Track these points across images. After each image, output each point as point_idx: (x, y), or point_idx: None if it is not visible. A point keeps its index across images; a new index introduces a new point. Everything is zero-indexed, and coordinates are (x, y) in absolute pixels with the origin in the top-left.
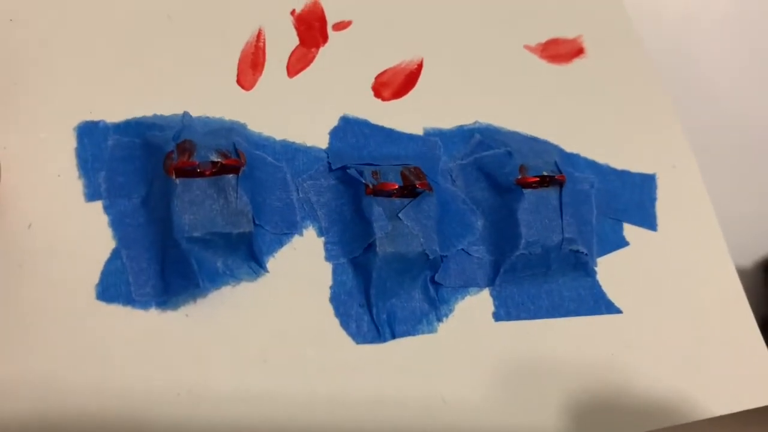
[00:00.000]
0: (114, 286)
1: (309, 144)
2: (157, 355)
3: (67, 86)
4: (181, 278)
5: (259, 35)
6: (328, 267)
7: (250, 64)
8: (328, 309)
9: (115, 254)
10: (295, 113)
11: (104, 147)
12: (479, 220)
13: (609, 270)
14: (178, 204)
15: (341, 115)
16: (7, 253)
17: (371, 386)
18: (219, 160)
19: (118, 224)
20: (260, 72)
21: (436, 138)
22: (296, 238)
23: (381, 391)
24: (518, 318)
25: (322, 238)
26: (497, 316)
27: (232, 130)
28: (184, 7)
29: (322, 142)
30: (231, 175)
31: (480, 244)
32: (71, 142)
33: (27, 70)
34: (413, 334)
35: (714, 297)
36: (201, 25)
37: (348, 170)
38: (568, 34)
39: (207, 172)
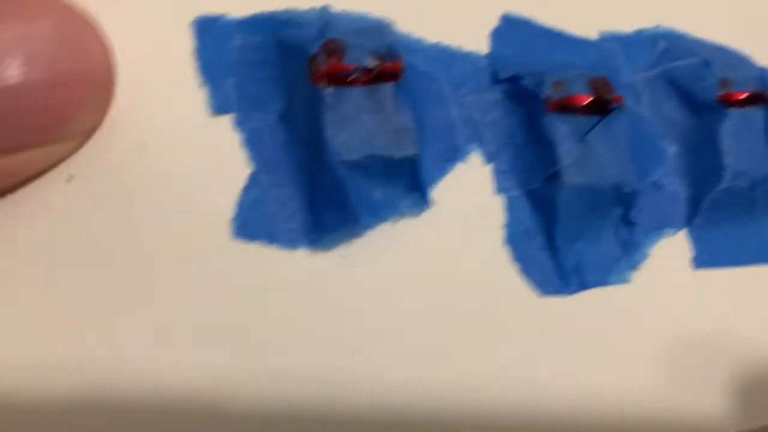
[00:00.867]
0: (254, 221)
1: (467, 49)
2: (306, 304)
3: None
4: (336, 211)
5: None
6: (499, 201)
7: None
8: (504, 252)
9: (253, 180)
10: (447, 9)
11: (229, 48)
12: (671, 146)
13: None
14: (330, 119)
15: (502, 13)
16: (117, 182)
17: (558, 345)
18: (376, 64)
19: (254, 143)
20: None
21: (614, 44)
22: (459, 166)
23: (570, 350)
24: (722, 264)
25: (491, 165)
26: (698, 262)
27: (383, 27)
28: None
29: (481, 45)
30: (389, 84)
31: (673, 176)
32: (187, 41)
33: None
34: (605, 284)
35: None
36: None
37: (521, 81)
38: None
39: (362, 80)
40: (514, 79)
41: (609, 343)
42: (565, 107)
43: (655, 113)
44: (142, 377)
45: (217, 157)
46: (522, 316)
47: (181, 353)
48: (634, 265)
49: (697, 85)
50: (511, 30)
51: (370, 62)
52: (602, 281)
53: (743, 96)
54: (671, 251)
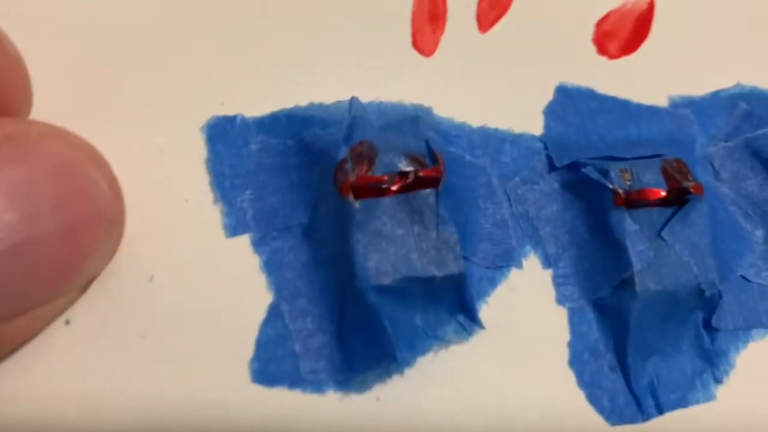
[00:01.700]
0: (275, 361)
1: (518, 130)
2: None
3: (186, 64)
4: (368, 346)
5: None
6: (562, 314)
7: (428, 18)
8: (568, 376)
9: (272, 313)
10: (492, 85)
11: (246, 153)
12: (758, 230)
13: None
14: (359, 237)
15: (557, 84)
16: (123, 318)
17: None
18: (411, 168)
19: (274, 267)
20: (442, 28)
21: (687, 110)
22: (514, 273)
23: None
24: None
25: (550, 271)
26: None
27: (418, 120)
28: None
29: (535, 125)
30: (429, 190)
31: (761, 265)
32: (200, 149)
33: (127, 42)
34: (685, 405)
35: None
36: None
37: (583, 169)
38: None
39: (395, 188)
40: (574, 166)
41: None
42: (636, 202)
43: (737, 191)
44: None
45: (232, 286)
46: None
47: None
48: (719, 378)
49: None
50: (569, 103)
51: (404, 166)
52: (683, 402)
53: None
54: (763, 357)
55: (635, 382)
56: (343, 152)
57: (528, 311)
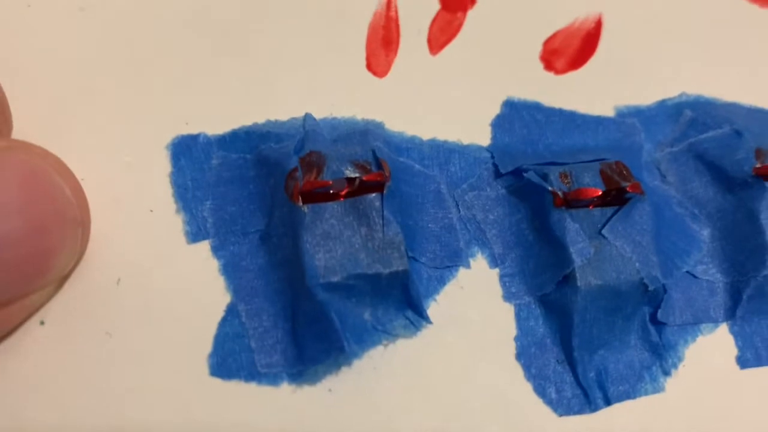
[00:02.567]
0: (232, 356)
1: (466, 141)
2: None
3: (153, 88)
4: (319, 340)
5: (390, 2)
6: (509, 310)
7: (382, 42)
8: (516, 369)
9: (230, 312)
10: (443, 101)
11: (207, 168)
12: (705, 229)
13: None
14: (308, 239)
15: (505, 98)
16: (92, 318)
17: None
18: (357, 175)
19: (232, 270)
20: (395, 52)
21: (633, 119)
22: (462, 272)
23: None
24: None
25: (497, 270)
26: (743, 362)
27: (367, 132)
28: None
29: (483, 137)
30: (374, 194)
31: (709, 263)
32: (164, 165)
33: (99, 68)
34: (633, 397)
35: None
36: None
37: (525, 174)
38: None
39: (342, 193)
40: (517, 173)
41: None
42: (574, 202)
43: (683, 193)
44: None
45: (193, 288)
46: None
47: None
48: (667, 371)
49: (729, 158)
50: (515, 116)
51: (351, 172)
52: (631, 393)
53: None
54: (711, 350)
55: (582, 375)
56: (294, 162)
57: (476, 308)
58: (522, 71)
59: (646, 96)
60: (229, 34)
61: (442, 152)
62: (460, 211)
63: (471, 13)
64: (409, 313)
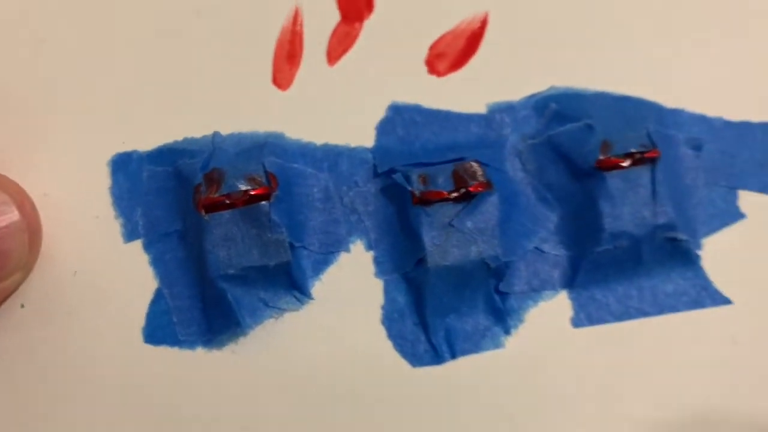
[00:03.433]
0: (160, 328)
1: (354, 144)
2: (208, 395)
3: (98, 113)
4: (222, 317)
5: (296, 17)
6: (379, 285)
7: (287, 57)
8: (381, 331)
9: (158, 295)
10: (338, 109)
11: (139, 180)
12: (554, 212)
13: (718, 251)
14: (209, 241)
15: (390, 103)
16: (57, 301)
17: (432, 412)
18: (248, 188)
19: (158, 262)
20: (297, 65)
21: (502, 114)
22: (343, 256)
23: (442, 417)
24: (601, 321)
25: (371, 253)
26: (576, 322)
27: (264, 146)
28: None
29: (369, 139)
30: (263, 203)
31: (555, 239)
32: (107, 179)
33: (56, 98)
34: (476, 352)
35: None
36: (233, 18)
37: (393, 176)
38: None
39: (237, 203)
40: (391, 172)
41: (481, 406)
42: (426, 201)
43: (540, 180)
44: None
45: (130, 277)
46: (397, 388)
47: None
48: (508, 331)
49: (578, 150)
50: (398, 118)
51: (244, 185)
52: (474, 349)
53: (619, 161)
54: (551, 313)
55: (433, 335)
56: (199, 178)
57: (353, 284)
58: (408, 76)
59: (519, 91)
60: (156, 61)
61: (332, 155)
62: (344, 205)
63: (367, 23)
64: (296, 293)
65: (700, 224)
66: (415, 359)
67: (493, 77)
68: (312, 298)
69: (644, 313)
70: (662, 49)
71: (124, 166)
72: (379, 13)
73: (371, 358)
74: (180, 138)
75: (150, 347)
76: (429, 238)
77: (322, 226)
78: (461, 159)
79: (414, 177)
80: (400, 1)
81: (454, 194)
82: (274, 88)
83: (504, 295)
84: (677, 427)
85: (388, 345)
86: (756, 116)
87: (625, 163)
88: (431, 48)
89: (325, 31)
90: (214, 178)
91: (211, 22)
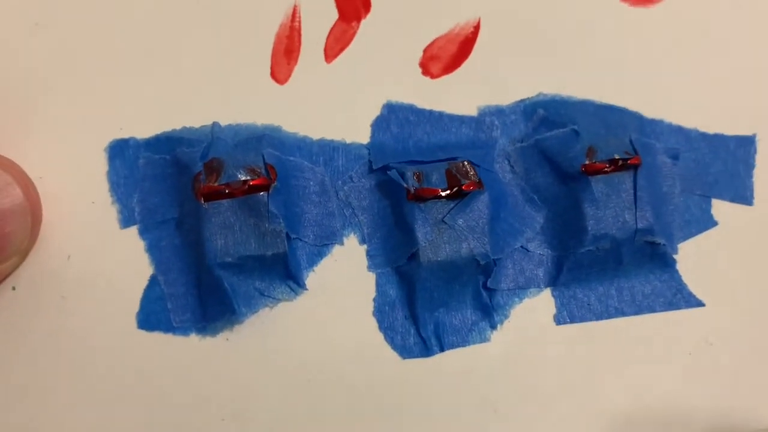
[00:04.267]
0: (154, 314)
1: (350, 140)
2: (200, 381)
3: (95, 99)
4: (217, 304)
5: (294, 13)
6: (371, 278)
7: (284, 52)
8: (372, 323)
9: (153, 281)
10: (334, 105)
11: (136, 167)
12: (540, 212)
13: (693, 256)
14: (208, 229)
15: (385, 101)
16: (50, 285)
17: (420, 402)
18: (248, 178)
19: (154, 249)
20: (295, 60)
21: (492, 117)
22: (337, 248)
23: (430, 407)
24: (583, 320)
25: (365, 247)
26: (559, 319)
27: (263, 138)
28: None
29: (364, 136)
30: (261, 194)
31: (541, 239)
32: (103, 164)
33: (53, 82)
34: (464, 345)
35: None
36: (233, 10)
37: (388, 172)
38: None
39: (236, 193)
40: (386, 168)
41: (467, 397)
42: (420, 197)
43: (527, 181)
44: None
45: (126, 262)
46: (386, 379)
47: (99, 417)
48: (494, 325)
49: (565, 154)
50: (392, 117)
51: (244, 176)
52: (462, 342)
53: (603, 166)
54: (535, 310)
55: (422, 328)
56: (199, 167)
57: (345, 276)
58: (403, 76)
59: (509, 95)
60: (155, 50)
61: (328, 150)
62: (339, 199)
63: (364, 22)
64: (291, 283)
65: (677, 230)
66: (405, 351)
67: (484, 81)
68: (306, 289)
69: (623, 313)
70: (644, 63)
71: (121, 152)
72: (376, 13)
73: (362, 349)
74: (178, 127)
75: (143, 333)
76: (422, 233)
77: (318, 219)
78: (454, 159)
79: (409, 174)
80: (396, 3)
81: (447, 192)
82: (272, 81)
83: (491, 292)
84: (653, 422)
85: (379, 336)
86: (729, 129)
87: (609, 169)
88: (425, 50)
89: (323, 28)
90: (213, 167)
91: (211, 12)
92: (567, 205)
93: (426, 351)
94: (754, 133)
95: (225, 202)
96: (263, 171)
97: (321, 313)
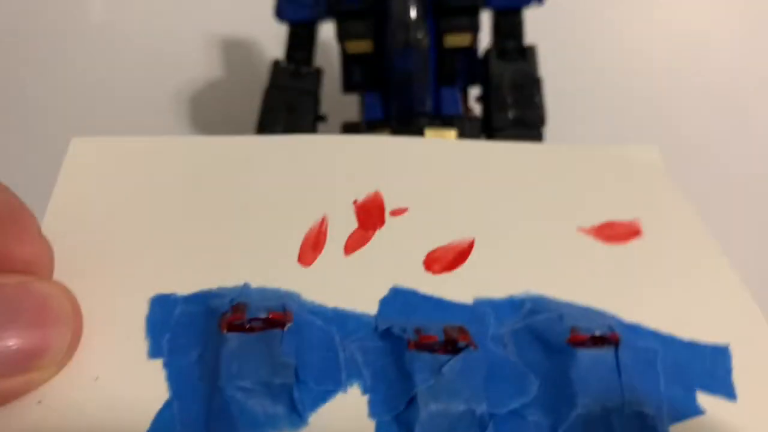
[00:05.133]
0: None
1: (359, 311)
2: None
3: (148, 263)
4: (222, 426)
5: (323, 222)
6: (371, 425)
7: (312, 245)
8: None
9: (167, 405)
10: (348, 285)
11: (172, 315)
12: (534, 383)
13: None
14: (226, 354)
15: (391, 286)
16: (76, 402)
17: None
18: (266, 315)
19: (174, 379)
20: (320, 251)
21: (486, 307)
22: (340, 395)
23: None
24: None
25: (367, 396)
26: None
27: (285, 295)
28: (260, 198)
29: (372, 311)
30: (277, 330)
31: (535, 408)
32: (143, 310)
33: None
34: None
35: None
36: (274, 212)
37: (391, 329)
38: (624, 218)
39: (256, 329)
40: (388, 330)
41: None
42: (421, 345)
43: (519, 357)
44: None
45: (147, 387)
46: None
47: None
48: None
49: (551, 332)
50: (398, 298)
51: (264, 316)
52: None
53: (586, 338)
54: None
55: None
56: (226, 307)
57: (347, 420)
58: (409, 270)
59: (499, 293)
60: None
61: (341, 316)
62: (345, 354)
63: (379, 232)
64: (293, 416)
65: (665, 411)
66: None
67: (478, 281)
68: (307, 424)
69: None
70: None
71: (162, 303)
72: (389, 227)
73: None
74: (215, 287)
75: None
76: (421, 378)
77: (324, 367)
78: (451, 324)
79: (410, 328)
80: (405, 222)
81: (446, 346)
82: (298, 264)
83: None
84: None
85: None
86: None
87: (591, 344)
88: (428, 254)
89: (345, 233)
90: (239, 309)
91: (257, 208)
92: (556, 376)
93: None
94: (727, 344)
95: (245, 334)
96: (282, 313)
97: None
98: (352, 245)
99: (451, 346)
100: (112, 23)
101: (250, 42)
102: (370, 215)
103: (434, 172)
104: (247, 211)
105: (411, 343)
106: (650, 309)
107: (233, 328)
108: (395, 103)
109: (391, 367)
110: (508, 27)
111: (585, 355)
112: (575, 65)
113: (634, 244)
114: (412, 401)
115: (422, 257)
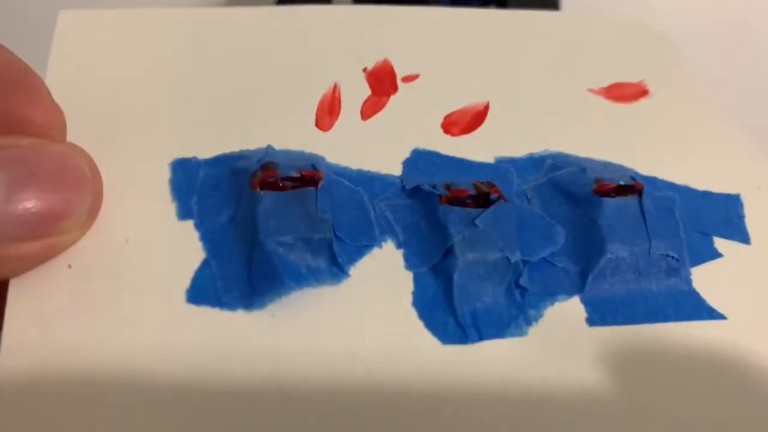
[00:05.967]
0: (203, 291)
1: (384, 172)
2: (245, 354)
3: (163, 131)
4: (266, 279)
5: (335, 89)
6: (409, 276)
7: (327, 111)
8: (412, 312)
9: (205, 264)
10: (369, 149)
11: (196, 177)
12: (561, 233)
13: (704, 279)
14: (261, 212)
15: (412, 148)
16: (107, 264)
17: (460, 385)
18: (299, 175)
19: (207, 239)
20: (336, 117)
21: (508, 165)
22: (376, 250)
23: (469, 391)
24: (614, 323)
25: (401, 251)
26: (591, 321)
27: (311, 157)
28: (269, 67)
29: (396, 172)
30: (311, 188)
31: (563, 256)
32: (166, 174)
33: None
34: (502, 337)
35: None
36: (283, 81)
37: (422, 187)
38: (632, 78)
39: (289, 186)
40: (417, 188)
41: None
42: (453, 200)
43: (544, 210)
44: None
45: (180, 248)
46: (427, 361)
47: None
48: (529, 322)
49: (576, 185)
50: (421, 159)
51: (296, 174)
52: (500, 334)
53: (612, 187)
54: (566, 312)
55: (461, 317)
56: (256, 167)
57: (385, 273)
58: (427, 133)
59: (519, 152)
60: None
61: (366, 177)
62: (376, 213)
63: (393, 98)
64: (334, 268)
65: (686, 257)
66: (446, 337)
67: (497, 142)
68: (348, 276)
69: (648, 319)
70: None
71: (183, 167)
72: (403, 93)
73: (404, 334)
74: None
75: (192, 307)
76: (456, 230)
77: (357, 225)
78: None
79: (440, 185)
80: (418, 88)
81: (476, 199)
82: (316, 129)
83: (524, 291)
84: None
85: (419, 324)
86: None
87: (615, 194)
88: (445, 118)
89: (359, 99)
90: (269, 167)
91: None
92: (584, 226)
93: (466, 338)
94: (739, 193)
95: (279, 192)
96: (314, 170)
97: (363, 300)
98: (368, 111)
99: (482, 199)
100: None
101: None
102: (382, 82)
103: (443, 40)
104: (257, 80)
105: (443, 198)
106: (663, 164)
107: (266, 185)
108: None
109: (422, 222)
110: None
111: (611, 203)
112: None
113: (643, 102)
114: (447, 253)
115: (439, 121)
